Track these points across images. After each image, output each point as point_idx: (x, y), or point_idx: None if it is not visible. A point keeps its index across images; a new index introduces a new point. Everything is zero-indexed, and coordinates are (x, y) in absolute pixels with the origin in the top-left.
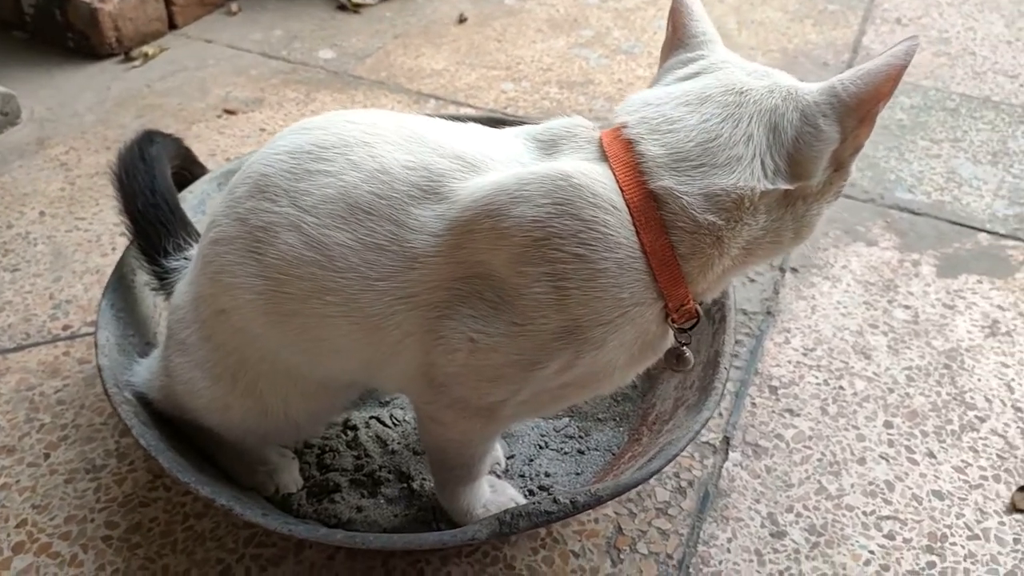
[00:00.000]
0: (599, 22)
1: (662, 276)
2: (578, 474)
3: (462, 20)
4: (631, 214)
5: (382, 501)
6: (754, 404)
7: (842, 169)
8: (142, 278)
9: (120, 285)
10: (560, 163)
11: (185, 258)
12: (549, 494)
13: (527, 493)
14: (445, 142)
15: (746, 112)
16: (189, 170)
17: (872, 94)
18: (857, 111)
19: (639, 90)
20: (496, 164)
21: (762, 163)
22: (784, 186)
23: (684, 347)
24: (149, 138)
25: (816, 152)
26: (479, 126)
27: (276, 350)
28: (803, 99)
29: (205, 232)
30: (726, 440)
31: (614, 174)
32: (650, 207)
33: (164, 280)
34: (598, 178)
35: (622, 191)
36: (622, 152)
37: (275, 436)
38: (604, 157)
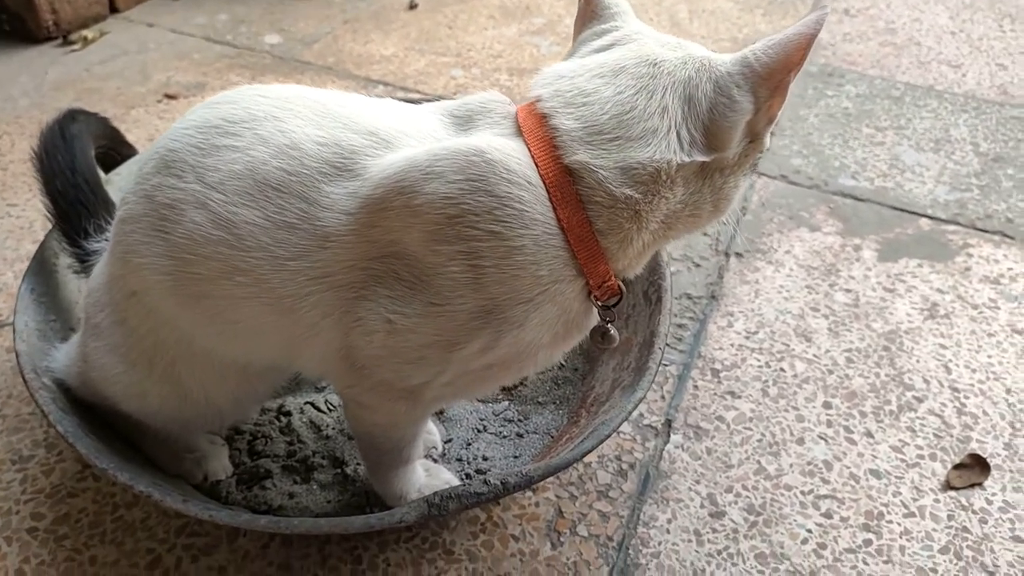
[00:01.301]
0: (551, 10)
1: (581, 252)
2: (516, 457)
3: (413, 6)
4: (547, 189)
5: (315, 487)
6: (696, 387)
7: (757, 140)
8: (64, 261)
9: (41, 269)
10: (474, 139)
11: (107, 239)
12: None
13: (464, 477)
14: (358, 117)
15: (660, 84)
16: (117, 150)
17: (783, 63)
18: (769, 80)
19: (554, 63)
20: (410, 140)
21: (678, 135)
22: (700, 158)
23: (608, 324)
24: (71, 116)
25: (731, 123)
26: (395, 101)
27: (190, 333)
28: (717, 70)
29: (116, 210)
30: (668, 422)
31: (529, 149)
32: (566, 182)
33: (85, 263)
34: (512, 153)
35: (537, 166)
36: (536, 126)
37: (198, 423)
38: (519, 132)
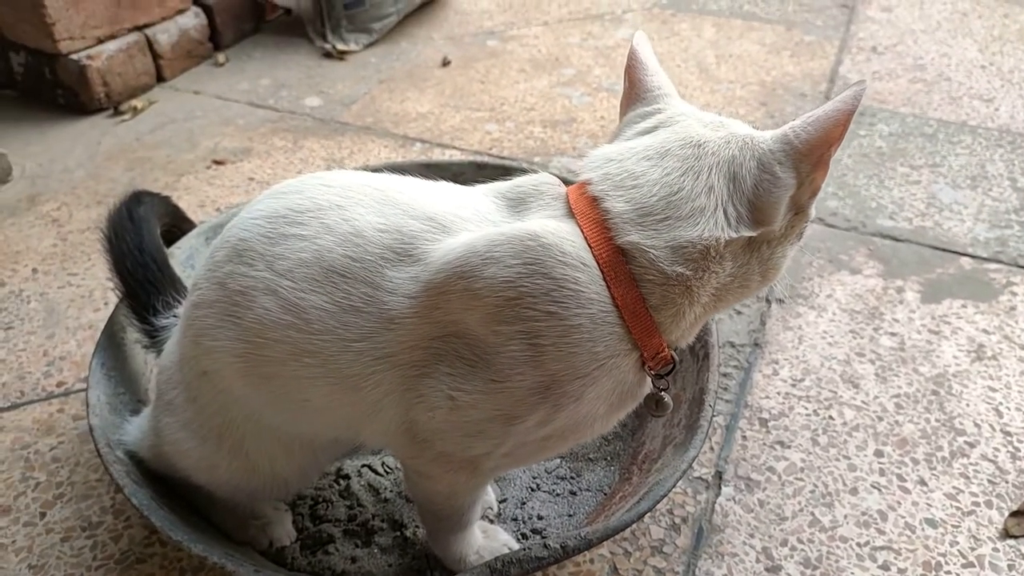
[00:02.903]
0: (580, 61)
1: (635, 328)
2: (571, 515)
3: (446, 63)
4: (601, 270)
5: (376, 551)
6: (745, 437)
7: (802, 212)
8: (132, 335)
9: (110, 344)
10: (528, 223)
11: (175, 316)
12: (542, 537)
13: (520, 537)
14: (416, 203)
15: (705, 164)
16: (179, 227)
17: (823, 139)
18: (809, 157)
19: (601, 145)
20: (466, 224)
21: (724, 212)
22: (748, 233)
23: (662, 392)
24: (137, 198)
25: (775, 198)
26: (449, 184)
27: (259, 411)
28: (759, 147)
29: (188, 294)
30: (718, 475)
31: (582, 231)
32: (619, 262)
33: (155, 338)
34: (567, 236)
35: (591, 248)
36: (588, 209)
37: (264, 493)
38: (571, 214)
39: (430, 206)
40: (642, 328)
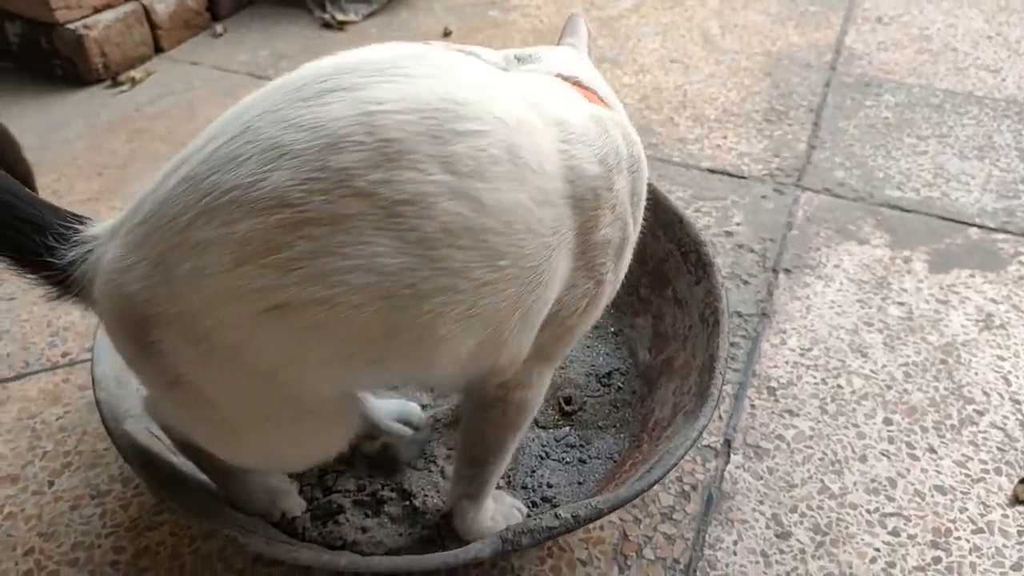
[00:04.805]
0: None
1: None
2: (580, 483)
3: (447, 33)
4: None
5: (386, 520)
6: (753, 406)
7: None
8: None
9: None
10: (609, 110)
11: (77, 242)
12: (552, 505)
13: (530, 505)
14: (533, 98)
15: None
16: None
17: (585, 40)
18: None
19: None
20: (567, 121)
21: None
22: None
23: None
24: None
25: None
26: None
27: (328, 363)
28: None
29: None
30: (727, 443)
31: None
32: None
33: (66, 279)
34: None
35: None
36: (594, 97)
37: (290, 467)
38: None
39: (544, 103)
40: None
